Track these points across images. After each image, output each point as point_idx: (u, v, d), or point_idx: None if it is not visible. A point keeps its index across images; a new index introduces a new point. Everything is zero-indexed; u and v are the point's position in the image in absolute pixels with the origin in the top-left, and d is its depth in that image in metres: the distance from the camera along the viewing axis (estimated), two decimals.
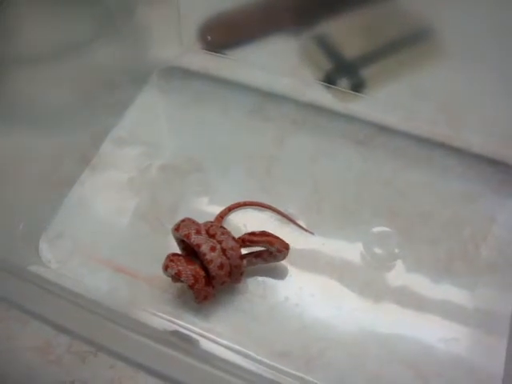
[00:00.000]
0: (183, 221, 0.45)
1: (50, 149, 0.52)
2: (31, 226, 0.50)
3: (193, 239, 0.43)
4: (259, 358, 0.43)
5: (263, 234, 0.46)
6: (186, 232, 0.44)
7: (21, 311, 0.36)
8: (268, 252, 0.46)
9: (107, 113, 0.58)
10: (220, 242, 0.44)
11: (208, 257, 0.43)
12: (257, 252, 0.47)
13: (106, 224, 0.51)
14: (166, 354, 0.32)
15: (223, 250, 0.44)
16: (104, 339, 0.33)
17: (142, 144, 0.56)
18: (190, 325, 0.45)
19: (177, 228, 0.45)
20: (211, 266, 0.43)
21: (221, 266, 0.43)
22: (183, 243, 0.45)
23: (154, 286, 0.47)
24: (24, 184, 0.50)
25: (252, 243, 0.46)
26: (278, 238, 0.46)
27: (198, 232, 0.44)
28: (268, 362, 0.43)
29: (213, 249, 0.43)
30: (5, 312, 0.46)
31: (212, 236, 0.44)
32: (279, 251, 0.45)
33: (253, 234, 0.46)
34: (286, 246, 0.46)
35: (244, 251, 0.46)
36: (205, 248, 0.43)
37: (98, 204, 0.52)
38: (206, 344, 0.44)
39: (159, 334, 0.43)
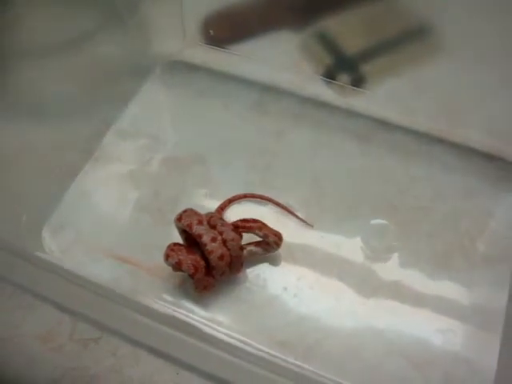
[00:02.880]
0: (185, 211, 0.45)
1: (53, 141, 0.53)
2: (34, 217, 0.50)
3: (194, 229, 0.44)
4: (258, 346, 0.44)
5: (255, 220, 0.47)
6: (188, 222, 0.44)
7: (22, 292, 0.36)
8: (265, 242, 0.47)
9: (110, 106, 0.58)
10: (221, 233, 0.44)
11: (209, 247, 0.44)
12: (256, 242, 0.47)
13: (108, 215, 0.52)
14: (167, 334, 0.33)
15: (224, 241, 0.44)
16: (106, 319, 0.33)
17: (144, 137, 0.57)
18: (190, 313, 0.45)
19: (179, 218, 0.45)
20: (211, 257, 0.44)
21: (221, 257, 0.44)
22: (185, 233, 0.46)
23: (155, 276, 0.47)
24: (27, 175, 0.51)
25: (245, 229, 0.46)
26: (268, 226, 0.47)
27: (200, 222, 0.44)
28: (267, 350, 0.43)
29: (213, 239, 0.44)
30: (7, 299, 0.46)
31: (213, 227, 0.45)
32: (266, 236, 0.46)
33: (245, 220, 0.47)
34: (277, 234, 0.47)
35: (243, 241, 0.46)
36: (206, 238, 0.44)
37: (101, 195, 0.53)
38: (205, 333, 0.44)
39: (160, 318, 0.44)
